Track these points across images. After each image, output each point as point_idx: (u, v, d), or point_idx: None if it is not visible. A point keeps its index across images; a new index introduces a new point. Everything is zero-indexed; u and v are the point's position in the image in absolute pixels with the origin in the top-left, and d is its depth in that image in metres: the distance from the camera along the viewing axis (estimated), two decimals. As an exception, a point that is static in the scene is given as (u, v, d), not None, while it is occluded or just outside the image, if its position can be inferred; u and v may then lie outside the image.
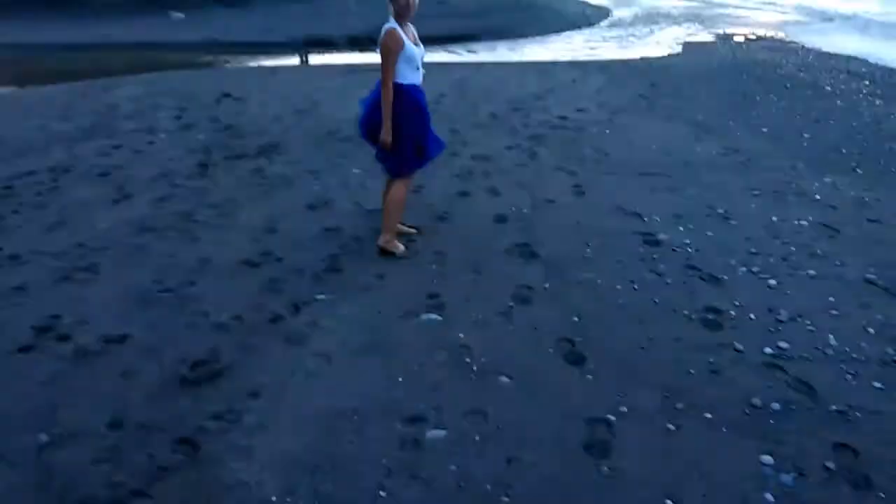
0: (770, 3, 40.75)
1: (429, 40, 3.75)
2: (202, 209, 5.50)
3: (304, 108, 9.38)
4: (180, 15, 20.68)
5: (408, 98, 4.32)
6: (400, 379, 3.25)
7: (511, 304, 4.01)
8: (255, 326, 3.72)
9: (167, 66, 14.05)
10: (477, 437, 2.86)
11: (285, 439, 2.83)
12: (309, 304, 3.97)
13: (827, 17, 31.81)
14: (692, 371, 3.33)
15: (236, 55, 16.90)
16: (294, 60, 16.45)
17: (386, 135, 4.28)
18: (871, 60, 16.53)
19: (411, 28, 4.40)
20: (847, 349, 3.53)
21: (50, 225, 5.16)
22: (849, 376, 3.29)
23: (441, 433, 2.85)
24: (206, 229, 5.10)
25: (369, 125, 4.46)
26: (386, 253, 4.62)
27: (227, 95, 10.19)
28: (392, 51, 4.20)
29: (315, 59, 16.78)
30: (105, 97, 9.97)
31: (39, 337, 3.59)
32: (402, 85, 4.27)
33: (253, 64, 15.17)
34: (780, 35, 22.46)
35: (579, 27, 24.86)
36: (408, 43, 4.23)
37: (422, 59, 4.41)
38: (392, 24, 4.22)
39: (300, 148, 7.38)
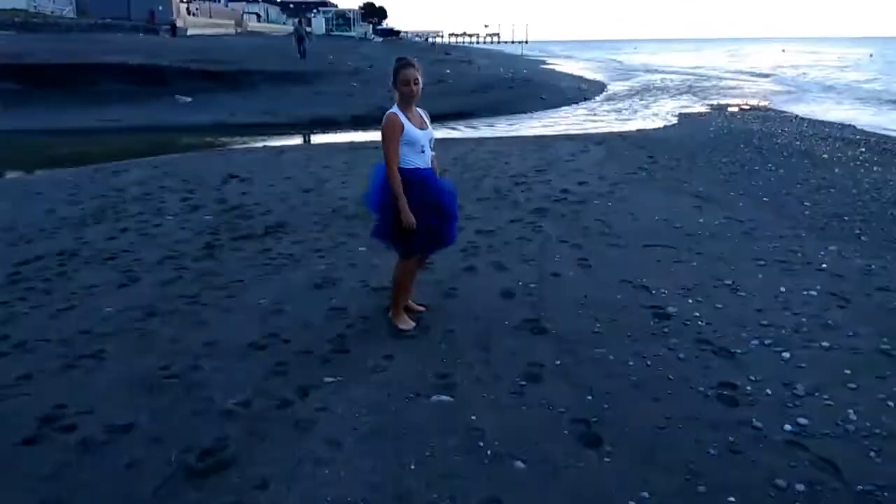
0: (760, 76, 41.92)
1: (432, 118, 3.92)
2: (209, 291, 5.50)
3: (310, 187, 9.51)
4: (187, 99, 21.26)
5: (411, 184, 4.32)
6: (412, 466, 3.17)
7: (523, 382, 3.95)
8: (262, 412, 3.66)
9: (174, 148, 14.36)
10: (494, 528, 2.76)
11: (295, 533, 2.73)
12: (317, 387, 3.91)
13: (813, 88, 32.61)
14: (712, 451, 3.24)
15: (242, 137, 17.29)
16: (298, 140, 16.80)
17: (405, 217, 4.28)
18: (861, 127, 16.87)
19: (418, 112, 4.46)
20: (868, 424, 3.45)
21: (56, 311, 5.14)
22: (872, 453, 3.20)
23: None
24: (213, 312, 5.08)
25: (375, 203, 4.59)
26: (398, 330, 4.63)
27: (233, 176, 10.35)
28: (389, 137, 4.26)
29: (319, 138, 17.14)
30: (113, 181, 10.13)
31: (44, 428, 3.52)
32: (404, 171, 4.29)
33: (258, 145, 15.49)
34: (773, 105, 22.98)
35: (576, 102, 25.53)
36: (408, 127, 4.28)
37: (430, 141, 4.46)
38: (394, 109, 4.31)
39: (306, 227, 7.44)
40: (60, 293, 5.52)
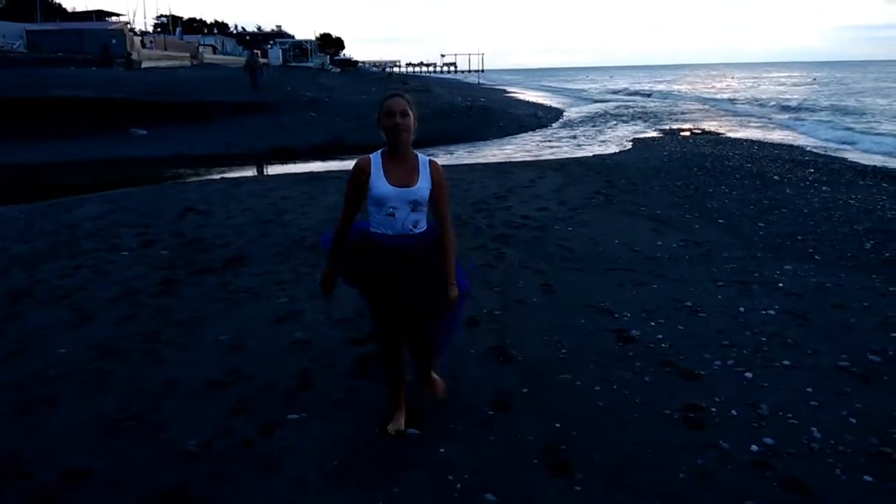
0: (710, 100, 43.12)
1: (435, 173, 3.18)
2: (167, 328, 5.36)
3: (270, 218, 9.40)
4: (142, 132, 20.94)
5: (363, 249, 3.41)
6: None
7: (490, 412, 3.91)
8: (225, 453, 3.55)
9: (129, 181, 14.08)
10: (466, 563, 2.70)
11: (262, 579, 2.64)
12: (281, 424, 3.81)
13: (761, 111, 33.67)
14: (682, 475, 3.25)
15: (198, 168, 17.07)
16: (257, 171, 16.65)
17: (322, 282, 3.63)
18: (810, 148, 17.41)
19: (414, 160, 3.38)
20: (832, 442, 3.50)
21: (7, 354, 4.95)
22: (838, 470, 3.24)
23: None
24: (172, 349, 4.95)
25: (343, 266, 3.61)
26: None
27: (190, 209, 10.18)
28: (347, 182, 3.40)
29: (278, 168, 17.02)
30: (66, 217, 9.87)
31: (-5, 477, 3.36)
32: (370, 232, 3.39)
33: (216, 177, 15.29)
34: (723, 129, 23.61)
35: (533, 129, 25.87)
36: (374, 177, 3.28)
37: (414, 204, 3.31)
38: (376, 153, 3.38)
39: (267, 259, 7.34)
40: (11, 334, 5.32)
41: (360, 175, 3.31)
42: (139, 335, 5.21)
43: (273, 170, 16.90)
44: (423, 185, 3.31)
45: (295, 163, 17.97)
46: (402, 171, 3.30)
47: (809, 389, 4.09)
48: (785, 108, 34.37)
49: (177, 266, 7.14)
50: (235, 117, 22.92)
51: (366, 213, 3.41)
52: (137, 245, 8.10)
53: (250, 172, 16.49)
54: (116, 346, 5.01)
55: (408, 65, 73.13)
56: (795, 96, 44.31)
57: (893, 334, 4.93)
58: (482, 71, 74.52)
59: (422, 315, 3.51)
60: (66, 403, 4.13)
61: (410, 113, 3.29)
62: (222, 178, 14.50)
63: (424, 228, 3.39)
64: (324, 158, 18.31)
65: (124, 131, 20.82)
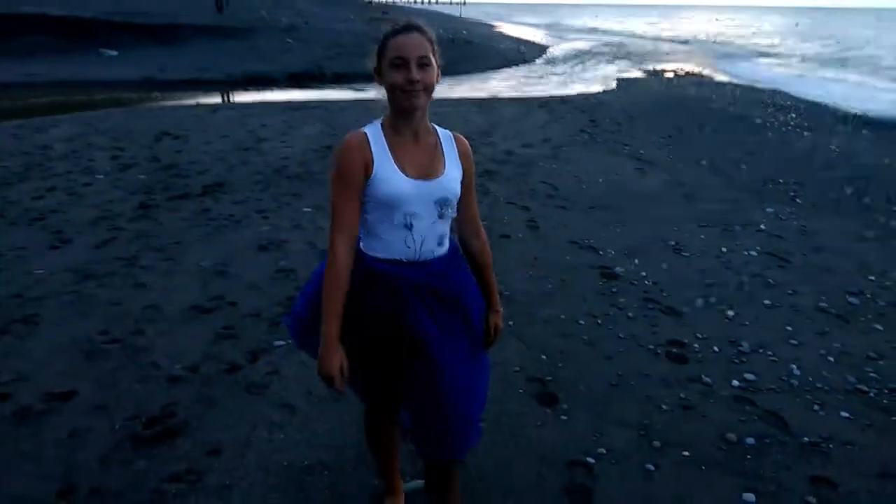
0: (695, 42, 42.66)
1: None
2: (147, 253, 5.26)
3: (248, 146, 9.20)
4: (113, 52, 20.18)
5: (360, 296, 2.01)
6: (370, 428, 3.11)
7: (476, 343, 3.93)
8: (211, 378, 3.53)
9: (100, 105, 13.63)
10: (455, 487, 2.74)
11: (252, 500, 2.66)
12: (268, 351, 3.80)
13: (745, 54, 33.47)
14: (664, 407, 3.31)
15: (173, 93, 16.57)
16: (233, 97, 16.20)
17: (319, 361, 1.96)
18: (793, 93, 17.38)
19: (430, 137, 2.06)
20: (811, 379, 3.58)
21: (-19, 274, 4.84)
22: (816, 406, 3.33)
23: (420, 483, 2.72)
24: (153, 274, 4.87)
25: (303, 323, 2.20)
26: None
27: (166, 134, 9.91)
28: (332, 182, 1.98)
29: (255, 96, 16.58)
30: (37, 138, 9.54)
31: (-26, 398, 3.31)
32: (364, 259, 2.03)
33: (190, 102, 14.85)
34: (707, 71, 23.43)
35: (516, 64, 25.41)
36: (383, 168, 1.95)
37: (444, 203, 2.01)
38: (370, 125, 2.02)
39: (247, 186, 7.20)
40: (-16, 256, 5.19)
41: (355, 163, 1.93)
42: (118, 259, 5.11)
43: (250, 97, 16.46)
44: (453, 174, 2.05)
45: (272, 90, 17.51)
46: (418, 153, 2.01)
47: (789, 328, 4.17)
48: (770, 53, 34.20)
49: (154, 191, 6.98)
50: (210, 40, 22.16)
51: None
52: (113, 169, 7.88)
53: (226, 99, 16.04)
54: (95, 269, 4.91)
55: (388, -7, 70.84)
56: (779, 40, 44.03)
57: (871, 277, 5.03)
58: (464, 3, 72.59)
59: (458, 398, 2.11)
60: (45, 326, 4.07)
61: (433, 60, 1.94)
62: (198, 104, 14.09)
63: (447, 248, 2.11)
64: (302, 87, 17.85)
65: (94, 52, 20.05)
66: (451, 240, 2.15)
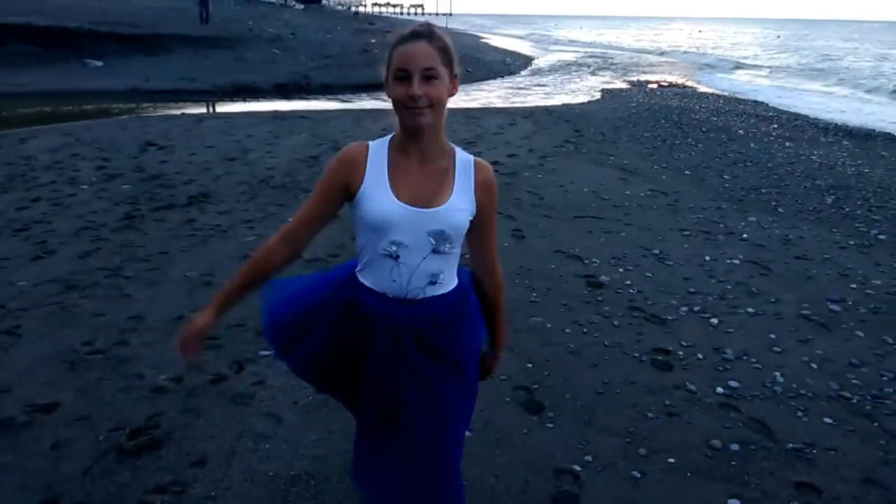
0: (679, 53, 43.13)
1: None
2: (131, 263, 5.23)
3: (234, 156, 9.17)
4: (98, 63, 20.09)
5: (347, 320, 1.94)
6: (356, 437, 3.11)
7: (463, 352, 3.93)
8: (196, 388, 3.51)
9: (85, 115, 13.56)
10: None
11: (238, 510, 2.65)
12: (253, 361, 3.79)
13: (728, 66, 33.87)
14: (650, 414, 3.33)
15: (157, 103, 16.50)
16: (219, 108, 16.16)
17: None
18: (774, 104, 17.61)
19: (442, 160, 1.87)
20: (794, 385, 3.62)
21: (-37, 285, 4.79)
22: (800, 413, 3.37)
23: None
24: (137, 285, 4.84)
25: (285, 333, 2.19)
26: None
27: (151, 144, 9.87)
28: (319, 182, 1.89)
29: (241, 106, 16.55)
30: (21, 148, 9.46)
31: (-44, 410, 3.28)
32: (352, 285, 1.94)
33: (176, 112, 14.81)
34: (690, 82, 23.68)
35: (502, 76, 25.55)
36: (372, 186, 1.81)
37: (440, 236, 1.81)
38: (381, 138, 1.88)
39: (232, 197, 7.18)
40: (-34, 266, 5.14)
41: (344, 172, 1.83)
42: (103, 270, 5.08)
43: (236, 107, 16.43)
44: (458, 205, 1.83)
45: (258, 100, 17.49)
46: (421, 176, 1.83)
47: (773, 336, 4.21)
48: (752, 65, 34.62)
49: (139, 201, 6.95)
50: (196, 50, 22.11)
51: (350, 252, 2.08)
52: (97, 179, 7.84)
53: (212, 109, 16.01)
54: (79, 280, 4.88)
55: (374, 4, 71.07)
56: (761, 52, 44.59)
57: (853, 285, 5.09)
58: (450, 14, 73.01)
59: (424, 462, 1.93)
60: (28, 337, 4.03)
61: (443, 72, 1.75)
62: (183, 114, 14.04)
63: (451, 288, 1.92)
64: (289, 97, 17.85)
65: (79, 62, 19.95)
66: (463, 283, 1.95)
